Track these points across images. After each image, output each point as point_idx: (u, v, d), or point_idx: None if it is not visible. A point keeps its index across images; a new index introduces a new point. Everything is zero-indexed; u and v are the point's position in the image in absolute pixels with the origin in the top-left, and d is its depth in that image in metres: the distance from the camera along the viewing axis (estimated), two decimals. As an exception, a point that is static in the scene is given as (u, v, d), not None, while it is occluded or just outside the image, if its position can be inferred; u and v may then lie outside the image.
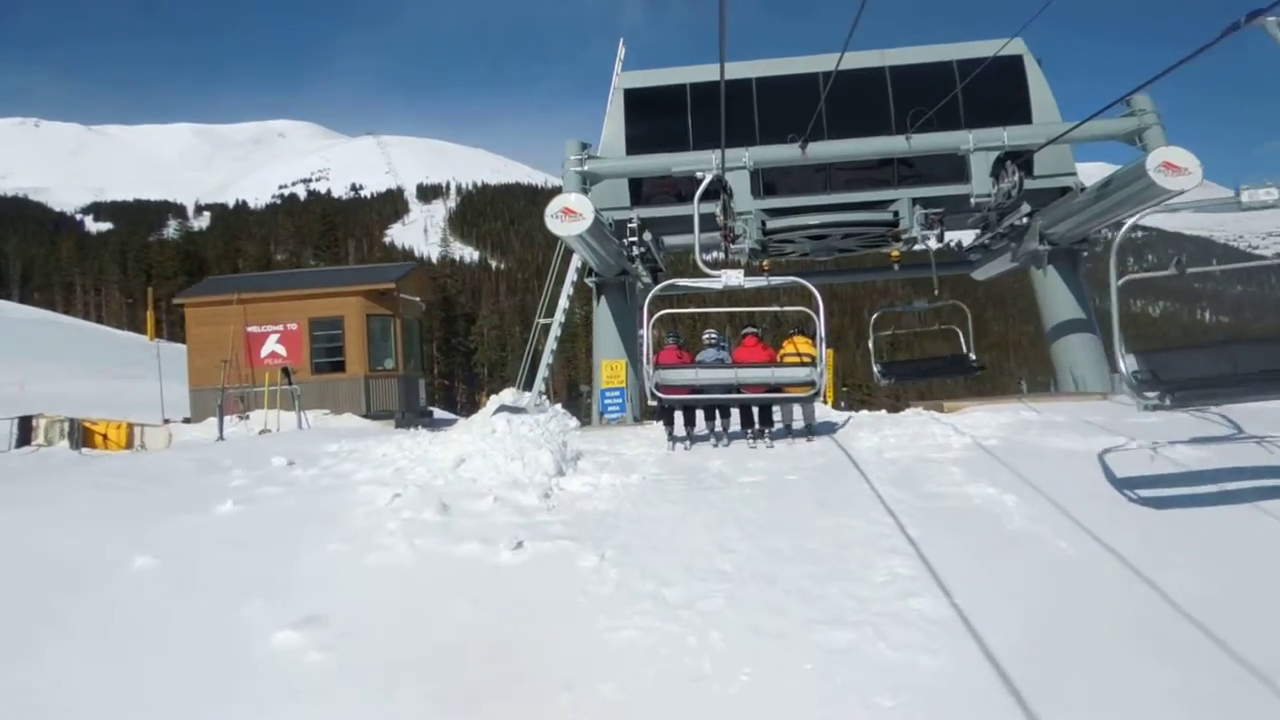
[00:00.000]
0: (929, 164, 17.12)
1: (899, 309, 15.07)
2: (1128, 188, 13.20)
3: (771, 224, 16.76)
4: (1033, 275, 17.81)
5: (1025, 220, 16.66)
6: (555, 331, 17.98)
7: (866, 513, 7.97)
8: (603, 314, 17.99)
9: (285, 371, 15.58)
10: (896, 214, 16.70)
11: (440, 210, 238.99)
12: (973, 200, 15.03)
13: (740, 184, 15.20)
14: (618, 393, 16.50)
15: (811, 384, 11.31)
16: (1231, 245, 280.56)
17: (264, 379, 15.79)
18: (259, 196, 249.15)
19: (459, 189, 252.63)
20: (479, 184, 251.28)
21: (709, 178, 13.02)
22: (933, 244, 15.94)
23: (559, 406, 21.17)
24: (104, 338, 65.12)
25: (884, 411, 14.55)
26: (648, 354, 11.55)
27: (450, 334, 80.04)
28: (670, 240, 19.67)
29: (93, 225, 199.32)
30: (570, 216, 13.17)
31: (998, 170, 14.83)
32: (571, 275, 18.37)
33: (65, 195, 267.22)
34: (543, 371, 17.81)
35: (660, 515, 8.26)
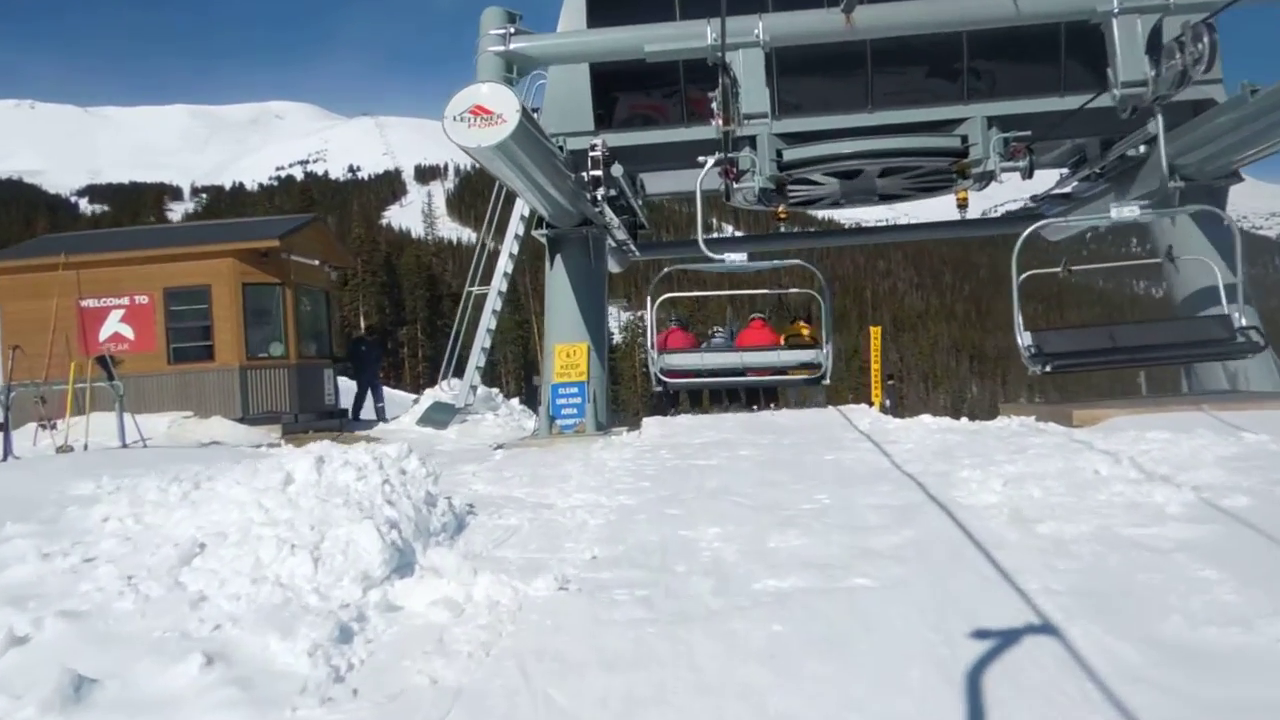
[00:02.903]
0: (1008, 71, 12.80)
1: (1076, 223, 9.99)
2: None
3: (790, 154, 12.10)
4: (1153, 228, 13.09)
5: (1144, 149, 11.96)
6: (493, 304, 13.38)
7: (1068, 711, 3.32)
8: (558, 279, 12.91)
9: (103, 361, 11.00)
10: (965, 139, 12.16)
11: (438, 191, 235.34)
12: (1116, 94, 10.08)
13: (750, 70, 10.06)
14: (575, 389, 11.58)
15: (817, 366, 11.53)
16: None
17: (71, 373, 11.14)
18: (256, 178, 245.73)
19: (457, 170, 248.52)
20: (477, 165, 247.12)
21: (711, 161, 10.92)
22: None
23: (515, 401, 16.57)
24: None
25: (965, 420, 9.93)
26: (651, 339, 11.75)
27: (435, 315, 75.53)
28: (653, 185, 14.98)
29: (87, 207, 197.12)
30: (484, 119, 8.42)
31: (1154, 48, 9.99)
32: (515, 228, 13.68)
33: (61, 178, 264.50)
34: (476, 358, 13.29)
35: (576, 706, 3.50)
